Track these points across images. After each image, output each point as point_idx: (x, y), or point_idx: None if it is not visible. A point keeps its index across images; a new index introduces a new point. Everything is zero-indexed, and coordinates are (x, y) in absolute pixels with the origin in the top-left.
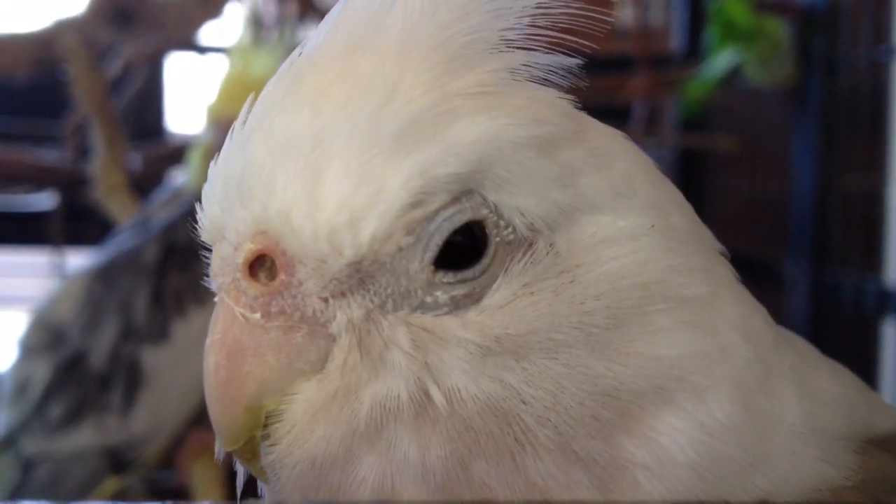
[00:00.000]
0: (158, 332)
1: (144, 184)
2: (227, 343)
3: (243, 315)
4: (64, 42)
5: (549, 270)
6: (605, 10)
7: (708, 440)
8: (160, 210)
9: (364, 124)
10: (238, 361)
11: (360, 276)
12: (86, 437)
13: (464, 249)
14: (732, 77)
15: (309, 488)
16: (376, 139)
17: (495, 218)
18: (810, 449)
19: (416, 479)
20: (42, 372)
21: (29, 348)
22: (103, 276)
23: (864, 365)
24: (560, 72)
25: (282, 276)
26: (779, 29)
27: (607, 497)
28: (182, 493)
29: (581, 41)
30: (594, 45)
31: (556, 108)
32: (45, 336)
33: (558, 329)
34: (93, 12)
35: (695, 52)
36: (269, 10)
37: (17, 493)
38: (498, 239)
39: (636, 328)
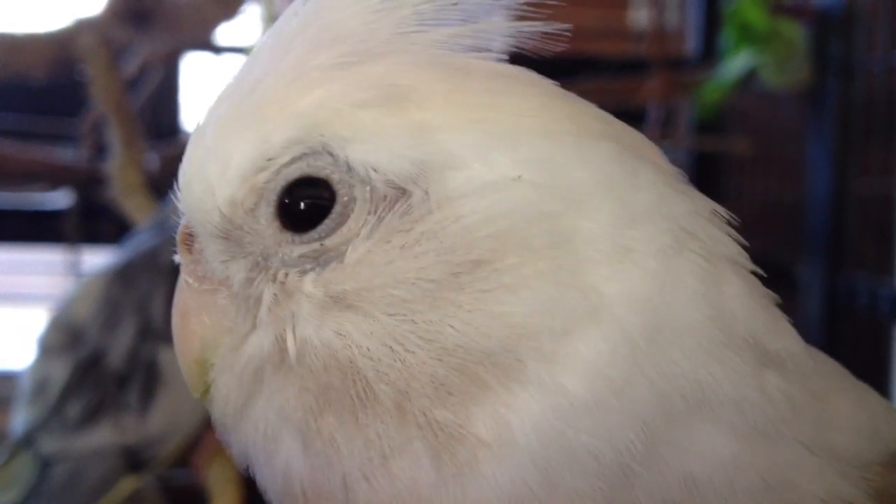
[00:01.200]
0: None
1: (161, 183)
2: (179, 305)
3: (186, 281)
4: (82, 42)
5: (411, 227)
6: None
7: (558, 424)
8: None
9: (231, 108)
10: (186, 321)
11: (234, 240)
12: (103, 437)
13: (324, 210)
14: (748, 80)
15: (229, 432)
16: (235, 118)
17: (344, 176)
18: (821, 465)
19: (287, 428)
20: (60, 372)
21: (48, 348)
22: (121, 277)
23: (878, 369)
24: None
25: (195, 247)
26: (794, 32)
27: (439, 468)
28: (196, 491)
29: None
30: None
31: (432, 71)
32: (63, 336)
33: (396, 285)
34: (110, 12)
35: (710, 54)
36: (285, 10)
37: (35, 491)
38: (346, 197)
39: (483, 284)
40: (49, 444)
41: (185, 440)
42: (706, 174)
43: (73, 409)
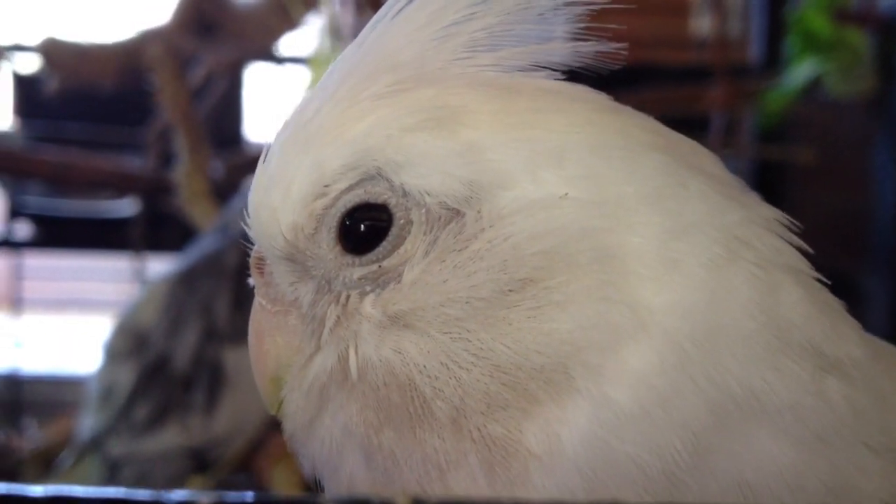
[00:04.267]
0: (240, 333)
1: (225, 191)
2: (254, 326)
3: (260, 303)
4: (149, 52)
5: (464, 247)
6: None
7: (605, 435)
8: (240, 216)
9: (291, 136)
10: (260, 341)
11: (299, 264)
12: (170, 438)
13: (381, 231)
14: (812, 88)
15: (300, 449)
16: (295, 145)
17: (401, 200)
18: (884, 466)
19: (350, 443)
20: (127, 377)
21: (114, 354)
22: (185, 281)
23: None
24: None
25: (266, 270)
26: (859, 39)
27: (492, 481)
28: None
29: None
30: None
31: (481, 90)
32: (129, 341)
33: (449, 304)
34: (177, 22)
35: (773, 62)
36: (347, 21)
37: None
38: (403, 220)
39: (532, 301)
40: (117, 448)
41: (247, 443)
42: (769, 184)
43: (141, 413)
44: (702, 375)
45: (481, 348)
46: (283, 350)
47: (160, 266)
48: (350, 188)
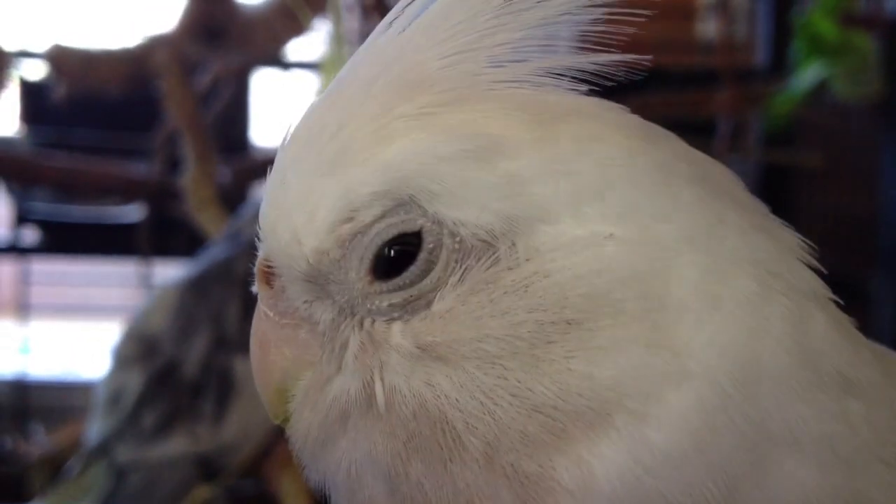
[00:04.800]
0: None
1: (232, 197)
2: (258, 335)
3: (265, 313)
4: (156, 58)
5: (498, 280)
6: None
7: (640, 472)
8: (251, 224)
9: (313, 153)
10: (265, 351)
11: (318, 285)
12: (178, 445)
13: (409, 255)
14: (818, 92)
15: (310, 462)
16: (320, 165)
17: (433, 227)
18: None
19: (372, 470)
20: (135, 382)
21: (123, 359)
22: (195, 288)
23: None
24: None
25: (276, 284)
26: (866, 43)
27: None
28: (266, 501)
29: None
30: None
31: (519, 116)
32: (138, 347)
33: (486, 340)
34: (184, 29)
35: (780, 66)
36: (353, 27)
37: (111, 500)
38: (432, 245)
39: (575, 343)
40: (125, 454)
41: (256, 450)
42: (776, 187)
43: (149, 419)
44: (740, 415)
45: (519, 387)
46: (291, 363)
47: (167, 271)
48: (383, 216)
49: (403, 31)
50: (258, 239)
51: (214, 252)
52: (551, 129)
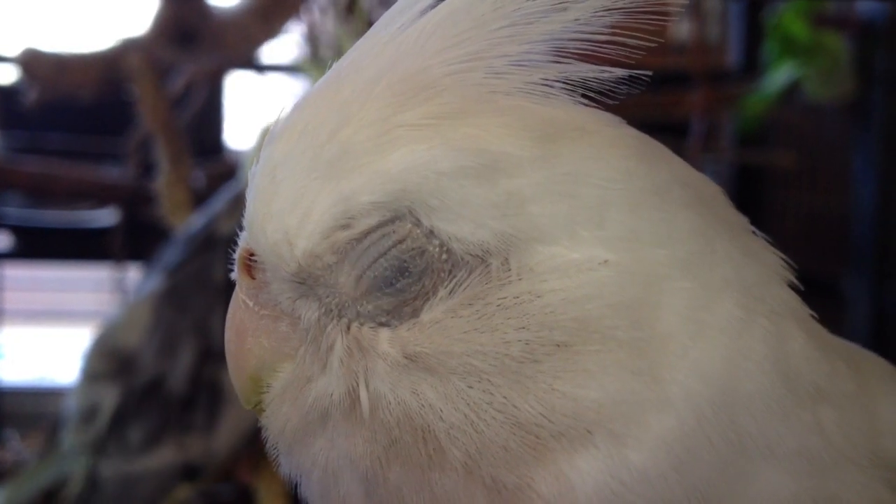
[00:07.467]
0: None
1: (206, 200)
2: (235, 323)
3: (244, 301)
4: (129, 61)
5: (489, 295)
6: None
7: (617, 488)
8: (225, 221)
9: (310, 152)
10: (242, 339)
11: (307, 285)
12: (166, 457)
13: (404, 266)
14: (791, 92)
15: (283, 453)
16: (316, 166)
17: (426, 237)
18: (866, 478)
19: (350, 470)
20: (111, 399)
21: (93, 375)
22: (171, 299)
23: None
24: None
25: (259, 275)
26: (838, 43)
27: None
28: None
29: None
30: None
31: (521, 133)
32: (111, 363)
33: (475, 355)
34: (156, 32)
35: (752, 67)
36: (327, 29)
37: (87, 500)
38: (423, 257)
39: (562, 364)
40: (109, 469)
41: (232, 453)
42: (749, 188)
43: (136, 435)
44: (718, 437)
45: (504, 404)
46: (268, 353)
47: (140, 275)
48: (379, 226)
49: (408, 29)
50: (239, 230)
51: (168, 259)
52: (552, 147)
